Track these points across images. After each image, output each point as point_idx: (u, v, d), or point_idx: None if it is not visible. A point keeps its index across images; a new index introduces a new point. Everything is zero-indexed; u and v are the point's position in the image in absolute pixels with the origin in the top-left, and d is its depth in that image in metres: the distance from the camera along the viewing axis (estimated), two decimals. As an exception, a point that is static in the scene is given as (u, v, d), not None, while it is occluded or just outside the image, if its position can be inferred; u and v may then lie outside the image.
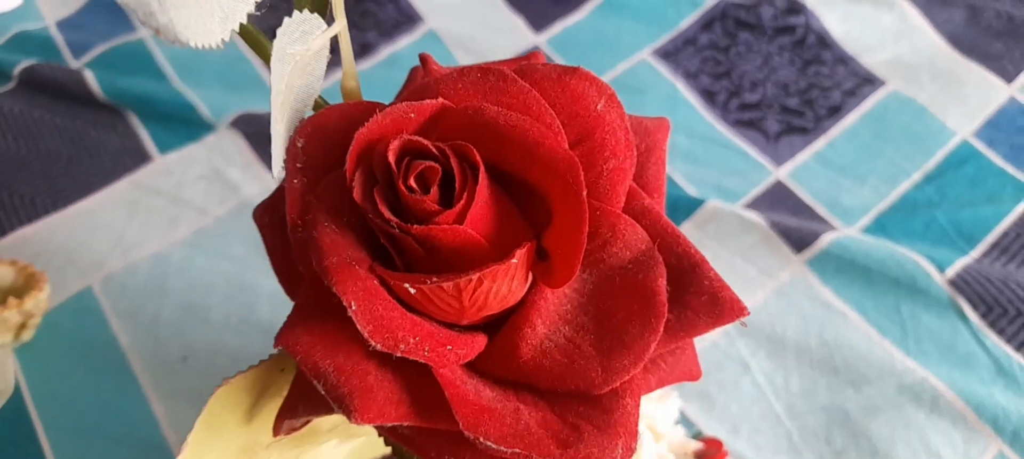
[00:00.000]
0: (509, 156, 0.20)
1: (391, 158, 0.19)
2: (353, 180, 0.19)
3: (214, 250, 0.48)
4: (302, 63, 0.21)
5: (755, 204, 0.51)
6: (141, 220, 0.50)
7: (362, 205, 0.19)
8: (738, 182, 0.52)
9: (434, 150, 0.19)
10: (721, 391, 0.43)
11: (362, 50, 0.60)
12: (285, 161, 0.21)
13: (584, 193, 0.19)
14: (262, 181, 0.52)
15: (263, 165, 0.52)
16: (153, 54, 0.60)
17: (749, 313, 0.21)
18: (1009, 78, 0.57)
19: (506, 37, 0.60)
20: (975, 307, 0.45)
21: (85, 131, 0.54)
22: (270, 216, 0.23)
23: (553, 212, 0.20)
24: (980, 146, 0.54)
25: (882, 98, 0.57)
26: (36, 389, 0.43)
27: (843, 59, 0.59)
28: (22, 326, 0.43)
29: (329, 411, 0.21)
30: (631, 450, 0.19)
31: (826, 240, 0.48)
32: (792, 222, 0.49)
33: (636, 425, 0.20)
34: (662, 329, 0.19)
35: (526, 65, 0.21)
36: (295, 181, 0.20)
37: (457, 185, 0.19)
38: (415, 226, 0.19)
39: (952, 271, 0.46)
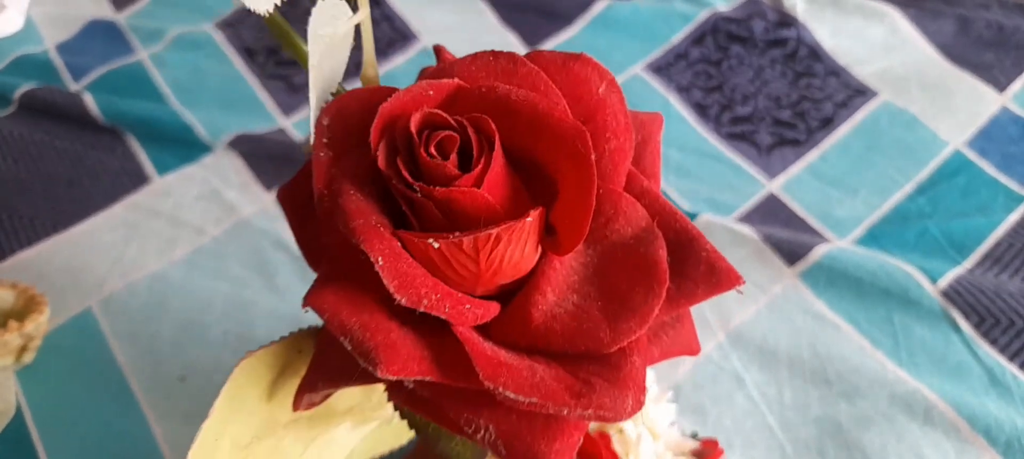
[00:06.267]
0: (519, 130, 0.21)
1: (413, 128, 0.20)
2: (377, 149, 0.21)
3: (212, 270, 0.49)
4: (330, 45, 0.23)
5: (748, 217, 0.51)
6: (140, 241, 0.50)
7: (386, 172, 0.21)
8: (730, 195, 0.52)
9: (453, 122, 0.21)
10: (715, 404, 0.43)
11: (358, 69, 0.60)
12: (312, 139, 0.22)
13: (593, 157, 0.20)
14: (259, 201, 0.52)
15: (260, 185, 0.53)
16: (151, 76, 0.60)
17: (744, 282, 0.22)
18: (1000, 87, 0.57)
19: (500, 54, 0.61)
20: (968, 317, 0.45)
21: (84, 153, 0.55)
22: (293, 196, 0.24)
23: (559, 187, 0.21)
24: (972, 156, 0.54)
25: (874, 109, 0.57)
26: (37, 411, 0.43)
27: (835, 71, 0.59)
28: (23, 348, 0.44)
29: (348, 383, 0.23)
30: (640, 403, 0.20)
31: (818, 252, 0.48)
32: (784, 235, 0.49)
33: (644, 381, 0.21)
34: (664, 294, 0.21)
35: (533, 52, 0.23)
36: (321, 154, 0.21)
37: (474, 152, 0.20)
38: (436, 189, 0.20)
39: (944, 282, 0.47)
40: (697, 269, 0.22)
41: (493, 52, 0.22)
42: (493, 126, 0.20)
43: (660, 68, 0.60)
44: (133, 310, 0.47)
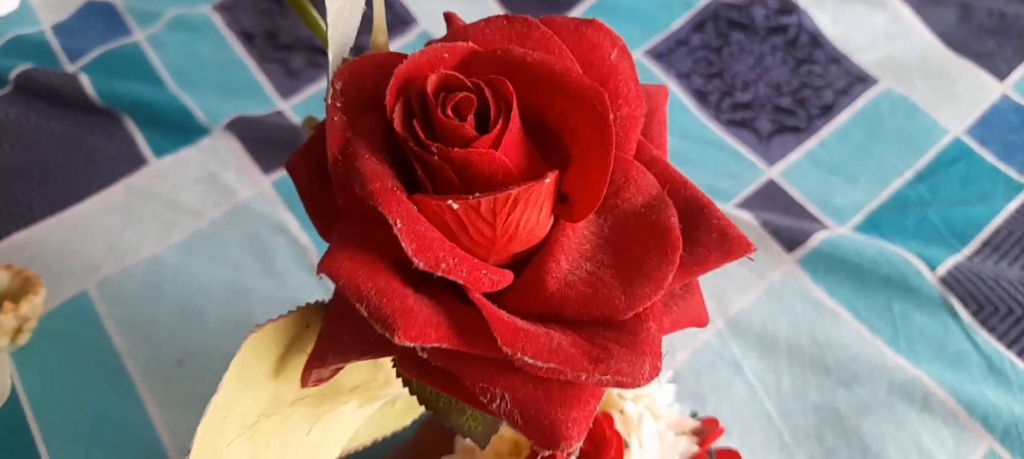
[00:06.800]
0: (535, 93, 0.21)
1: (429, 90, 0.20)
2: (393, 112, 0.20)
3: (209, 254, 0.49)
4: (345, 8, 0.23)
5: (747, 204, 0.51)
6: (137, 224, 0.50)
7: (402, 134, 0.20)
8: (730, 182, 0.52)
9: (469, 84, 0.21)
10: (713, 391, 0.43)
11: (355, 53, 0.60)
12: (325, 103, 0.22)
13: (611, 116, 0.20)
14: (257, 184, 0.52)
15: (258, 168, 0.53)
16: (148, 58, 0.60)
17: (755, 250, 0.22)
18: (1001, 76, 0.57)
19: (500, 39, 0.60)
20: (966, 305, 0.45)
21: (81, 135, 0.55)
22: (304, 163, 0.24)
23: (574, 152, 0.21)
24: (972, 144, 0.54)
25: (874, 97, 0.57)
26: (32, 392, 0.43)
27: (835, 58, 0.59)
28: (18, 330, 0.44)
29: (359, 356, 0.22)
30: (657, 370, 0.20)
31: (818, 239, 0.48)
32: (784, 221, 0.49)
33: (660, 347, 0.21)
34: (678, 260, 0.21)
35: (545, 17, 0.23)
36: (335, 118, 0.21)
37: (492, 114, 0.20)
38: (454, 150, 0.20)
39: (943, 269, 0.47)
40: (709, 236, 0.22)
41: (506, 16, 0.22)
42: (510, 88, 0.20)
43: (660, 54, 0.59)
44: (130, 293, 0.47)
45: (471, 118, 0.20)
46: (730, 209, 0.50)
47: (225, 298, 0.47)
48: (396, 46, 0.61)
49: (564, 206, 0.21)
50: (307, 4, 0.27)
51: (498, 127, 0.20)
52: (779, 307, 0.46)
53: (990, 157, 0.53)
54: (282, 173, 0.52)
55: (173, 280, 0.48)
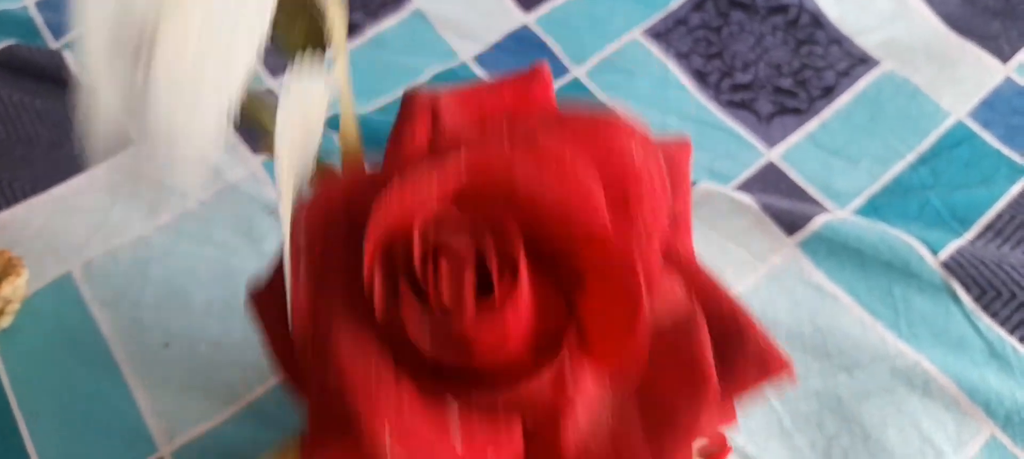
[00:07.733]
0: (545, 229, 0.18)
1: (416, 254, 0.17)
2: (372, 285, 0.17)
3: (197, 235, 0.48)
4: (299, 139, 0.19)
5: (747, 186, 0.50)
6: (123, 204, 0.49)
7: (385, 318, 0.17)
8: (730, 164, 0.51)
9: (465, 248, 0.17)
10: (711, 376, 0.42)
11: (347, 31, 0.59)
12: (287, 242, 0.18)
13: (643, 287, 0.17)
14: (247, 164, 0.51)
15: (247, 147, 0.52)
16: (135, 35, 0.59)
17: (792, 368, 0.19)
18: (1005, 58, 0.56)
19: (495, 17, 0.59)
20: (969, 290, 0.45)
21: (65, 114, 0.53)
22: (269, 300, 0.20)
23: (588, 282, 0.18)
24: (975, 127, 0.53)
25: (876, 79, 0.56)
26: (15, 375, 0.42)
27: (837, 39, 0.58)
28: (0, 312, 0.43)
29: None
30: None
31: (818, 223, 0.47)
32: (784, 204, 0.48)
33: None
34: (713, 402, 0.19)
35: (557, 115, 0.20)
36: (299, 279, 0.18)
37: (494, 274, 0.17)
38: (453, 328, 0.17)
39: (945, 253, 0.46)
40: (745, 360, 0.19)
41: (509, 119, 0.19)
42: (519, 250, 0.17)
43: (659, 34, 0.58)
44: (115, 275, 0.46)
45: (470, 274, 0.17)
46: (729, 191, 0.49)
47: (213, 280, 0.46)
48: (390, 23, 0.59)
49: (580, 336, 0.19)
50: (266, 115, 0.21)
51: (503, 301, 0.17)
52: (779, 291, 0.45)
53: (993, 140, 0.52)
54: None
55: (160, 262, 0.47)
